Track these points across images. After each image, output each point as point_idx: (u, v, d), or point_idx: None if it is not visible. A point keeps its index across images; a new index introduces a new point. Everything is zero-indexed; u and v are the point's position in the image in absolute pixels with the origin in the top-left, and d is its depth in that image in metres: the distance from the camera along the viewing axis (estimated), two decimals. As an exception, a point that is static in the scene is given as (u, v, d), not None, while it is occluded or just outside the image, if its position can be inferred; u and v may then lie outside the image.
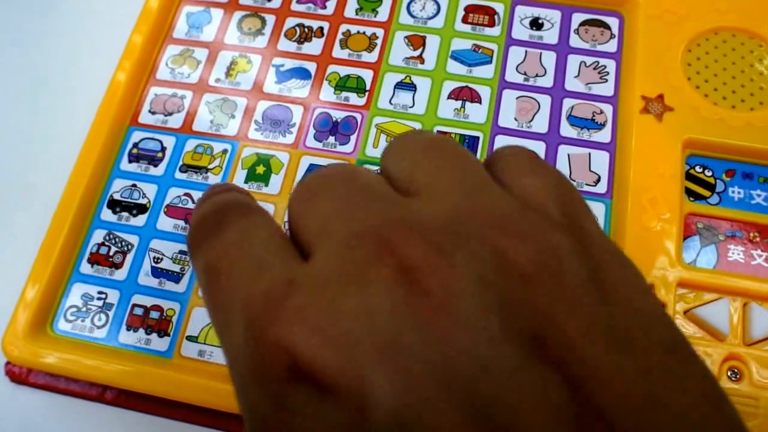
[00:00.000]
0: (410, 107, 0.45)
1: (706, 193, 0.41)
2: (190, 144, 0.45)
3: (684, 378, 0.17)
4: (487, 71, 0.46)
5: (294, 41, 0.48)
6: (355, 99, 0.45)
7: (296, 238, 0.22)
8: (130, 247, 0.42)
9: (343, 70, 0.47)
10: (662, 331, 0.18)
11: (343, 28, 0.48)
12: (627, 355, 0.17)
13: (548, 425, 0.15)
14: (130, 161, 0.45)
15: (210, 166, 0.44)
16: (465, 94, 0.45)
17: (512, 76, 0.46)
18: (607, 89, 0.45)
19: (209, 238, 0.22)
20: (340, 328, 0.17)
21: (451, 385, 0.16)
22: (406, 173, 0.22)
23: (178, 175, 0.44)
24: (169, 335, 0.40)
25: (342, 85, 0.46)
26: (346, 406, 0.17)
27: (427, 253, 0.18)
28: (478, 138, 0.43)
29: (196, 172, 0.44)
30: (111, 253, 0.42)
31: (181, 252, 0.42)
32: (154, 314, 0.40)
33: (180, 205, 0.43)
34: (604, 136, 0.43)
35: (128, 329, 0.40)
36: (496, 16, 0.48)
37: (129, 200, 0.43)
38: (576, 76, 0.45)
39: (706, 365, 0.17)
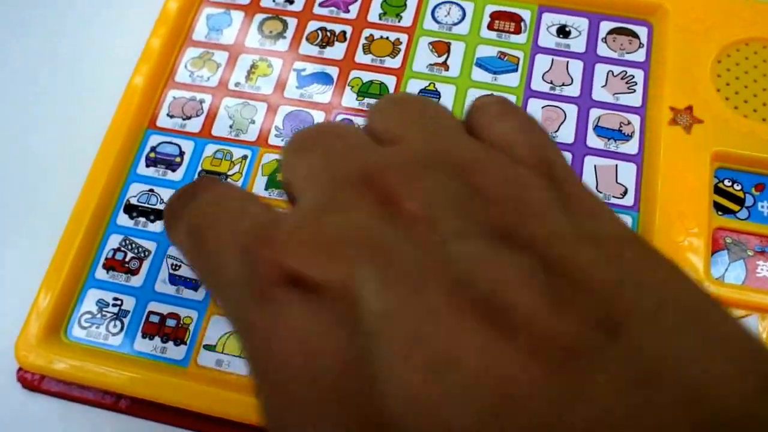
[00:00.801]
0: (434, 115, 0.44)
1: (734, 207, 0.41)
2: (209, 149, 0.44)
3: (654, 259, 0.18)
4: (512, 79, 0.45)
5: (316, 45, 0.47)
6: (378, 105, 0.45)
7: (287, 188, 0.23)
8: (147, 253, 0.41)
9: (366, 76, 0.46)
10: (630, 234, 0.20)
11: (366, 32, 0.48)
12: (593, 247, 0.18)
13: (525, 286, 0.17)
14: (147, 165, 0.44)
15: (230, 172, 0.43)
16: (490, 103, 0.44)
17: (538, 84, 0.45)
18: (634, 100, 0.44)
19: (187, 204, 0.24)
20: (327, 236, 0.19)
21: (435, 274, 0.17)
22: (384, 126, 0.24)
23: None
24: (185, 344, 0.39)
25: (365, 91, 0.45)
26: (333, 303, 0.18)
27: (402, 183, 0.20)
28: (503, 147, 0.43)
29: (215, 178, 0.43)
30: (127, 259, 0.41)
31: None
32: (171, 322, 0.40)
33: (198, 211, 0.42)
34: (631, 147, 0.42)
35: (144, 337, 0.40)
36: (522, 23, 0.47)
37: (146, 205, 0.43)
38: (603, 86, 0.44)
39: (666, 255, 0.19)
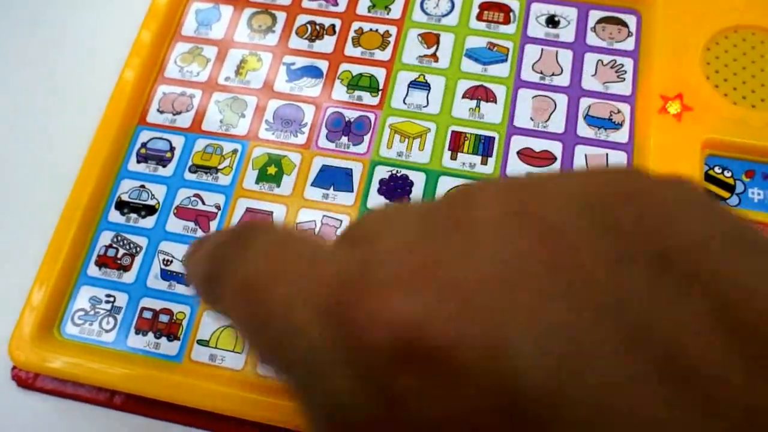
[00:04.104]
0: (424, 107, 0.44)
1: (725, 194, 0.41)
2: (200, 144, 0.44)
3: None
4: (502, 70, 0.45)
5: (305, 39, 0.47)
6: (368, 98, 0.45)
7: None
8: (138, 249, 0.41)
9: (356, 69, 0.46)
10: None
11: (356, 25, 0.48)
12: (753, 257, 0.15)
13: (702, 334, 0.13)
14: (138, 161, 0.44)
15: (220, 167, 0.43)
16: (480, 94, 0.44)
17: (528, 74, 0.45)
18: (624, 88, 0.44)
19: (234, 259, 0.20)
20: (450, 281, 0.15)
21: (605, 326, 0.14)
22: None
23: (188, 175, 0.43)
24: (179, 339, 0.39)
25: (354, 84, 0.45)
26: (482, 385, 0.14)
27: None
28: (493, 138, 0.43)
29: (206, 173, 0.43)
30: (119, 256, 0.41)
31: (191, 254, 0.41)
32: (164, 318, 0.40)
33: (190, 206, 0.42)
34: (621, 136, 0.42)
35: (137, 333, 0.40)
36: (511, 14, 0.47)
37: (137, 201, 0.43)
38: (593, 75, 0.44)
39: None
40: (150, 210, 0.42)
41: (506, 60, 0.45)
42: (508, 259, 0.15)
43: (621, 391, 0.13)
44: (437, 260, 0.15)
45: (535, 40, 0.46)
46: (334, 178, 0.42)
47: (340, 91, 0.45)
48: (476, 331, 0.14)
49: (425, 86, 0.45)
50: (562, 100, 0.44)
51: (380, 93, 0.45)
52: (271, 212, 0.42)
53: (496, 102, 0.44)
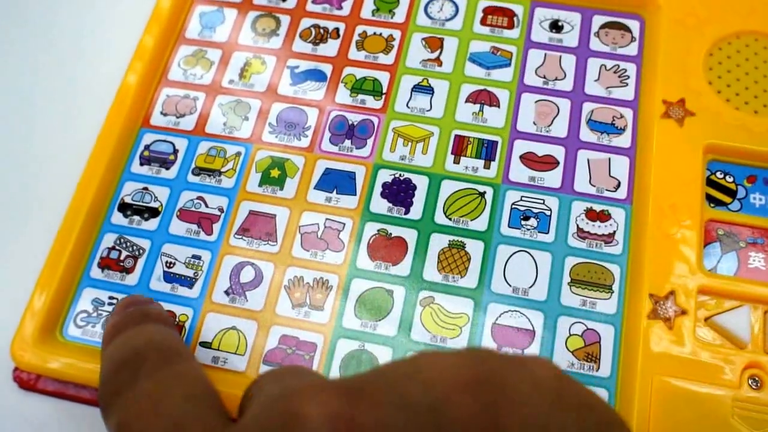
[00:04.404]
0: (428, 110, 0.44)
1: (726, 199, 0.41)
2: (203, 146, 0.44)
3: None
4: (505, 74, 0.45)
5: (309, 42, 0.48)
6: (371, 102, 0.45)
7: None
8: (141, 251, 0.41)
9: (360, 72, 0.46)
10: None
11: (360, 29, 0.48)
12: None
13: None
14: (141, 164, 0.44)
15: (223, 169, 0.43)
16: (483, 98, 0.44)
17: (531, 79, 0.45)
18: (627, 93, 0.44)
19: (122, 392, 0.22)
20: None
21: None
22: None
23: (191, 178, 0.43)
24: (181, 341, 0.39)
25: (358, 87, 0.45)
26: None
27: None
28: (496, 142, 0.43)
29: (209, 175, 0.43)
30: (122, 258, 0.41)
31: (194, 257, 0.41)
32: (167, 320, 0.40)
33: (193, 209, 0.42)
34: (624, 140, 0.43)
35: (140, 335, 0.40)
36: (515, 18, 0.47)
37: (140, 203, 0.43)
38: (596, 80, 0.45)
39: None
40: (153, 212, 0.42)
41: (510, 64, 0.46)
42: None
43: None
44: None
45: (539, 45, 0.46)
46: (337, 182, 0.42)
47: (343, 95, 0.45)
48: None
49: (429, 90, 0.45)
50: (565, 104, 0.44)
51: (384, 96, 0.45)
52: (275, 215, 0.42)
53: (499, 106, 0.44)
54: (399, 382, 0.19)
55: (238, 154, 0.44)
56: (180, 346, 0.23)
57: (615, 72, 0.45)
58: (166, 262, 0.41)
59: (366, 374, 0.20)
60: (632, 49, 0.45)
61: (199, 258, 0.41)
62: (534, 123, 0.43)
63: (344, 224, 0.41)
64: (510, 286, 0.39)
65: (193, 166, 0.44)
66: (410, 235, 0.41)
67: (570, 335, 0.38)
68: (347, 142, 0.43)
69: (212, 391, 0.21)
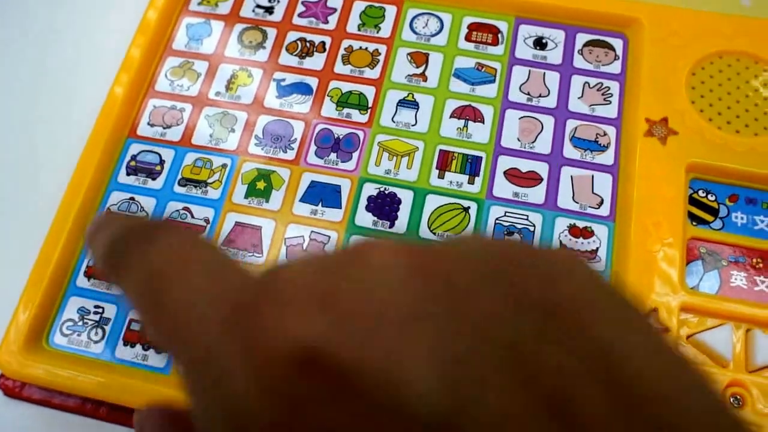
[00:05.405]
0: (413, 125, 0.44)
1: (709, 217, 0.41)
2: (190, 158, 0.44)
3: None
4: (490, 90, 0.46)
5: (295, 56, 0.48)
6: (357, 116, 0.45)
7: None
8: (127, 261, 0.42)
9: (345, 86, 0.46)
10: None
11: (346, 43, 0.48)
12: (627, 324, 0.16)
13: (586, 386, 0.14)
14: (128, 174, 0.44)
15: (209, 180, 0.43)
16: (468, 113, 0.45)
17: (515, 95, 0.45)
18: (610, 111, 0.44)
19: (142, 248, 0.20)
20: (351, 304, 0.15)
21: (495, 359, 0.15)
22: None
23: (177, 188, 0.43)
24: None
25: (344, 101, 0.46)
26: (381, 405, 0.14)
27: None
28: (480, 158, 0.43)
29: (195, 186, 0.43)
30: (108, 267, 0.41)
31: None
32: (151, 330, 0.40)
33: (179, 219, 0.42)
34: (607, 158, 0.43)
35: (125, 344, 0.40)
36: (499, 35, 0.47)
37: (127, 213, 0.43)
38: (579, 97, 0.45)
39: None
40: (139, 223, 0.43)
41: (494, 81, 0.46)
42: (408, 302, 0.15)
43: (515, 421, 0.14)
44: (336, 290, 0.16)
45: (523, 62, 0.47)
46: (322, 194, 0.42)
47: (329, 108, 0.46)
48: (378, 355, 0.14)
49: (414, 105, 0.45)
50: (548, 121, 0.44)
51: (369, 111, 0.45)
52: (260, 227, 0.42)
53: (483, 122, 0.44)
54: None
55: (224, 165, 0.44)
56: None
57: (598, 90, 0.45)
58: (151, 272, 0.41)
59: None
60: (616, 67, 0.46)
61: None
62: (518, 139, 0.44)
63: (329, 237, 0.41)
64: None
65: (179, 176, 0.44)
66: (394, 249, 0.41)
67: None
68: (333, 156, 0.44)
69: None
